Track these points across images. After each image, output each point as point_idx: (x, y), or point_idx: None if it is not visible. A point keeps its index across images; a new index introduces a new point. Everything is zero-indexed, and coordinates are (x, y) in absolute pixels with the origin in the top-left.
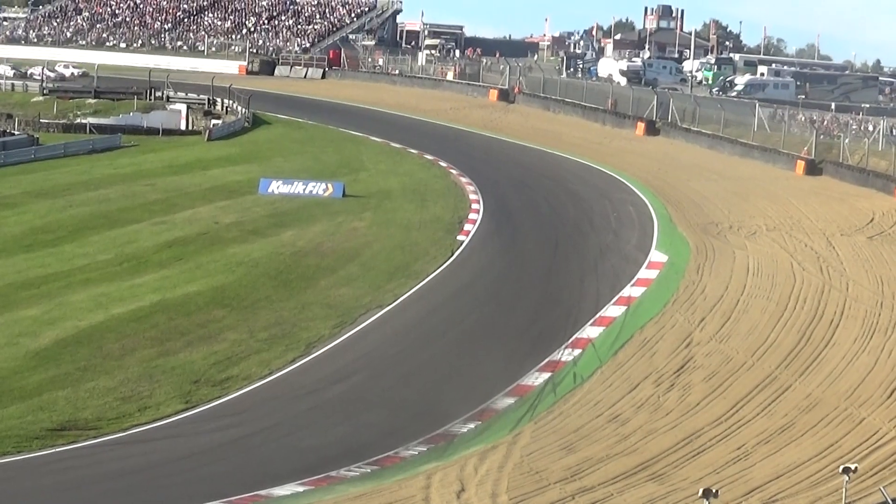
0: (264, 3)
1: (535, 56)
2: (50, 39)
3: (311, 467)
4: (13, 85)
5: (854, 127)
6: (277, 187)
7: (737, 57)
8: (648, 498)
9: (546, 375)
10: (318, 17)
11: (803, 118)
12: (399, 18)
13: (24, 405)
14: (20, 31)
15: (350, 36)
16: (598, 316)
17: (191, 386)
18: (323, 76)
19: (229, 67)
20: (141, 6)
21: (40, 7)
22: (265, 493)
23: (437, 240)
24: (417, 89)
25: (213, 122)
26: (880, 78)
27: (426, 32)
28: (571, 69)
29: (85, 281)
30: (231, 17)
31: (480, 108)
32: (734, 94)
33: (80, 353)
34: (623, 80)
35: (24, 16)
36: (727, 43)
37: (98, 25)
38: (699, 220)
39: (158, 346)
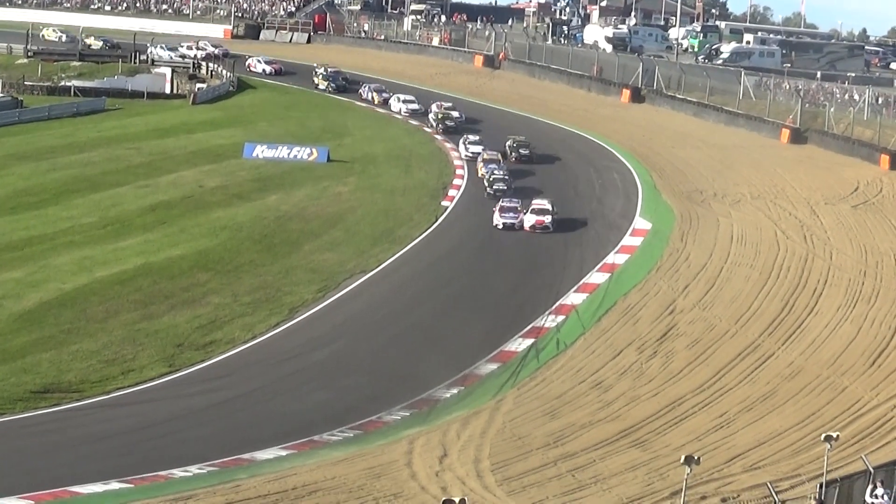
0: None
1: (510, 21)
2: (35, 1)
3: (293, 431)
4: None
5: (839, 96)
6: (262, 152)
7: (723, 25)
8: (631, 464)
9: (529, 342)
10: None
11: (789, 87)
12: None
13: (8, 367)
14: None
15: (335, 0)
16: (581, 283)
17: (174, 349)
18: (308, 40)
19: (214, 31)
20: None
21: None
22: (248, 456)
23: (422, 205)
24: (403, 55)
25: (198, 85)
26: (866, 47)
27: None
28: (557, 35)
29: (69, 244)
30: None
31: (466, 73)
32: (720, 61)
33: (63, 315)
34: (609, 47)
35: None
36: (713, 11)
37: None
38: (684, 188)
39: (142, 309)
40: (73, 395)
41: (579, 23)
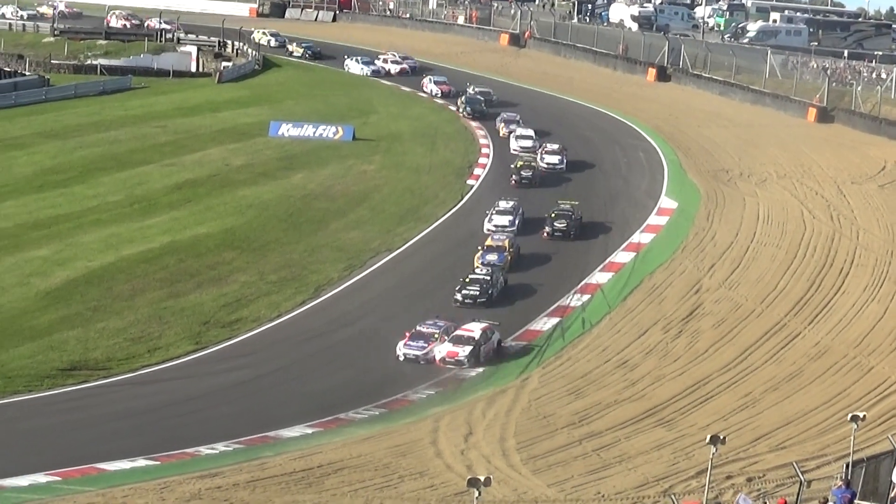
0: None
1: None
2: None
3: (319, 409)
4: (24, 26)
5: (866, 75)
6: (287, 130)
7: (749, 3)
8: (656, 443)
9: (555, 320)
10: None
11: (815, 65)
12: None
13: (35, 345)
14: None
15: None
16: (607, 261)
17: (200, 327)
18: (334, 19)
19: (240, 9)
20: None
21: None
22: (274, 434)
23: (447, 184)
24: (428, 33)
25: (224, 64)
26: (893, 26)
27: None
28: (583, 14)
29: (95, 222)
30: None
31: (491, 52)
32: (746, 40)
33: (90, 293)
34: (634, 26)
35: None
36: None
37: None
38: (710, 167)
39: (168, 287)
40: (100, 373)
41: (605, 1)
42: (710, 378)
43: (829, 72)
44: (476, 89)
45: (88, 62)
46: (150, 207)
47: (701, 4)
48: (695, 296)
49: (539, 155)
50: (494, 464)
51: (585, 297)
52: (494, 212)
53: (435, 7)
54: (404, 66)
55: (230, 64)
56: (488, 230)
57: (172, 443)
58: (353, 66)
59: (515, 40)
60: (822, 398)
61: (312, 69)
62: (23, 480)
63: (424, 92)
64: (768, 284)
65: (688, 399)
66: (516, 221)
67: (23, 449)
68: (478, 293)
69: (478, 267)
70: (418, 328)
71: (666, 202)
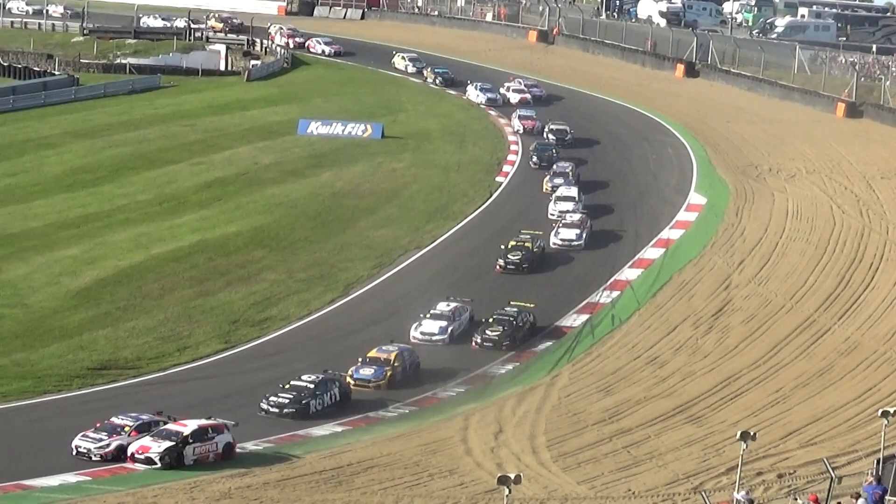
0: None
1: None
2: None
3: (349, 408)
4: (53, 25)
5: (895, 70)
6: (316, 128)
7: None
8: (686, 440)
9: (584, 317)
10: None
11: (844, 60)
12: None
13: (65, 344)
14: None
15: None
16: (636, 258)
17: (230, 326)
18: (362, 17)
19: (269, 7)
20: None
21: None
22: (304, 433)
23: (476, 181)
24: (456, 30)
25: (253, 62)
26: None
27: None
28: (611, 10)
29: (125, 221)
30: None
31: (519, 49)
32: (774, 35)
33: (119, 292)
34: (663, 22)
35: None
36: None
37: None
38: (738, 163)
39: (198, 286)
40: (130, 372)
41: None
42: (740, 374)
43: (857, 67)
44: (552, 126)
45: (118, 61)
46: (179, 206)
47: (729, 0)
48: (724, 292)
49: (555, 229)
50: (524, 461)
51: (615, 294)
52: (428, 315)
53: (463, 4)
54: (526, 95)
55: (259, 62)
56: (413, 339)
57: None
58: (472, 93)
59: (544, 37)
60: (852, 394)
61: (341, 67)
62: (53, 480)
63: (510, 126)
64: (798, 280)
65: (718, 395)
66: (449, 329)
67: (53, 448)
68: (287, 402)
69: (347, 379)
70: (111, 419)
71: (695, 198)
